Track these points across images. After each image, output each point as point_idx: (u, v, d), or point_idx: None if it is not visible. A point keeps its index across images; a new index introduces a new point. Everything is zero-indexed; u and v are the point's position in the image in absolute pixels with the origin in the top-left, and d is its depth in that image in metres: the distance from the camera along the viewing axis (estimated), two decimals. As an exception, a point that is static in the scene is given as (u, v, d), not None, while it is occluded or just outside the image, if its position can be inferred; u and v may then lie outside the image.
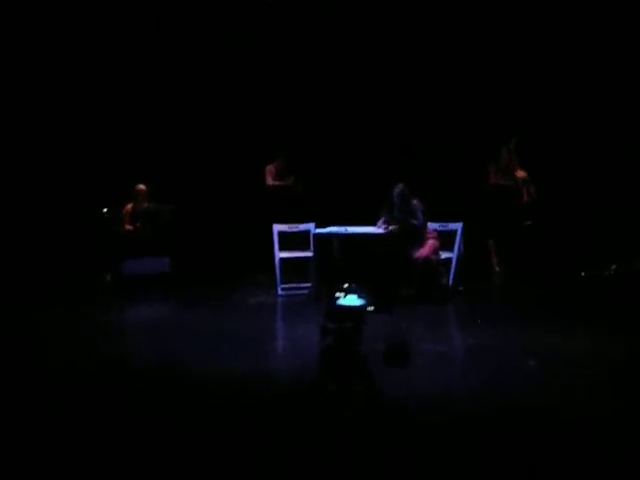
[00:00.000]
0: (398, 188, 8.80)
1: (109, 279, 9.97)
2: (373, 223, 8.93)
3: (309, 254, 9.12)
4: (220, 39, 11.37)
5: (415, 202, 8.77)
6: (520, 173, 10.08)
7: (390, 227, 8.75)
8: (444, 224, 9.06)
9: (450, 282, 8.91)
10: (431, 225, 8.99)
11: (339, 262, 8.85)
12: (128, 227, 10.15)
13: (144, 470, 3.99)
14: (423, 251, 8.60)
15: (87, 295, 9.40)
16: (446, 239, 8.97)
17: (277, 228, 9.25)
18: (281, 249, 9.22)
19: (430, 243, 8.71)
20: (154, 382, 5.62)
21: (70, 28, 10.89)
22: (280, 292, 9.10)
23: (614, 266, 9.14)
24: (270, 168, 10.76)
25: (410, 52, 10.94)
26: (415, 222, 8.70)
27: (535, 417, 4.70)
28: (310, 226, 9.23)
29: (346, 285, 4.10)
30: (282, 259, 9.17)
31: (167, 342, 6.91)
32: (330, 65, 11.23)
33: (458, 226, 9.08)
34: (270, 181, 10.74)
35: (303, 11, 11.00)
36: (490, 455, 4.12)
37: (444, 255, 8.87)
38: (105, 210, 10.29)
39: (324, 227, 9.13)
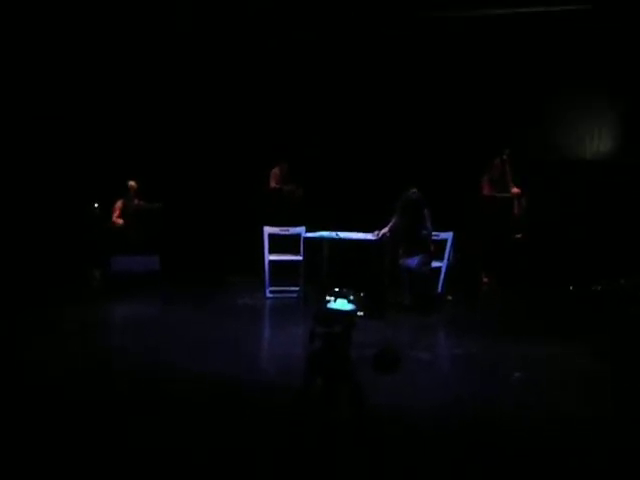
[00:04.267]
0: (414, 194, 8.60)
1: (97, 275, 9.91)
2: (365, 229, 8.88)
3: (299, 258, 9.10)
4: (218, 39, 11.37)
5: (426, 210, 8.66)
6: (514, 189, 10.10)
7: (381, 232, 8.63)
8: (435, 233, 9.05)
9: (439, 291, 8.92)
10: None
11: (328, 267, 8.83)
12: (117, 220, 10.08)
13: (126, 475, 3.96)
14: (406, 260, 8.57)
15: (75, 291, 9.33)
16: (436, 248, 8.96)
17: (267, 230, 9.22)
18: (271, 252, 9.20)
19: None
20: (138, 381, 5.58)
21: (65, 28, 10.80)
22: (268, 294, 9.08)
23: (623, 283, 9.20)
24: (275, 171, 10.88)
25: (405, 62, 10.97)
26: (425, 232, 8.63)
27: (521, 426, 4.71)
28: (301, 230, 9.21)
29: (337, 289, 4.09)
30: (271, 262, 9.15)
31: (152, 341, 6.87)
32: (325, 72, 11.26)
33: (448, 235, 9.10)
34: (274, 184, 10.82)
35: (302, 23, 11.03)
36: (475, 463, 4.12)
37: (434, 264, 8.86)
38: (96, 205, 10.24)
39: (315, 231, 9.11)
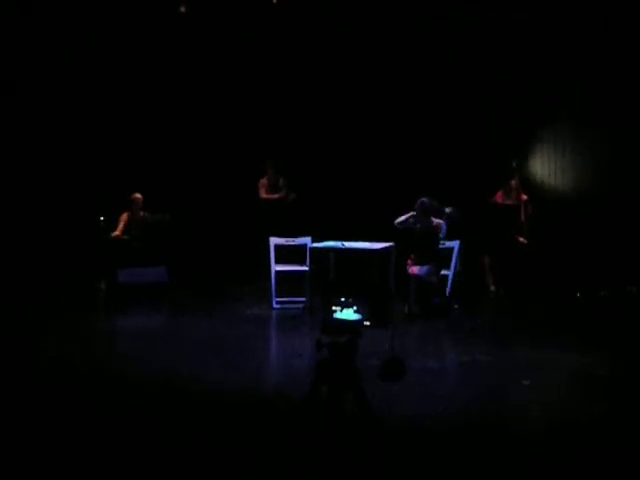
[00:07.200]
0: (426, 201, 8.66)
1: (103, 287, 9.92)
2: (370, 239, 8.87)
3: (305, 268, 9.08)
4: (213, 51, 11.43)
5: (438, 219, 8.68)
6: (522, 196, 10.12)
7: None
8: (441, 242, 9.04)
9: (446, 299, 8.91)
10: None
11: (334, 277, 8.82)
12: (117, 234, 10.05)
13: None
14: (415, 268, 8.58)
15: (81, 303, 9.35)
16: (443, 257, 8.95)
17: (273, 241, 9.23)
18: (277, 262, 9.20)
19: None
20: (145, 392, 5.59)
21: (70, 44, 10.91)
22: (275, 305, 9.07)
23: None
24: (263, 181, 10.92)
25: (409, 62, 10.92)
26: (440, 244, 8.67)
27: (526, 429, 4.70)
28: (307, 240, 9.20)
29: (343, 299, 4.10)
30: (278, 272, 9.15)
31: (159, 352, 6.88)
32: (326, 76, 11.23)
33: (455, 244, 9.09)
34: (263, 194, 10.86)
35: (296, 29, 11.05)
36: (481, 465, 4.11)
37: (441, 272, 8.84)
38: (101, 218, 10.26)
39: (321, 242, 9.09)
